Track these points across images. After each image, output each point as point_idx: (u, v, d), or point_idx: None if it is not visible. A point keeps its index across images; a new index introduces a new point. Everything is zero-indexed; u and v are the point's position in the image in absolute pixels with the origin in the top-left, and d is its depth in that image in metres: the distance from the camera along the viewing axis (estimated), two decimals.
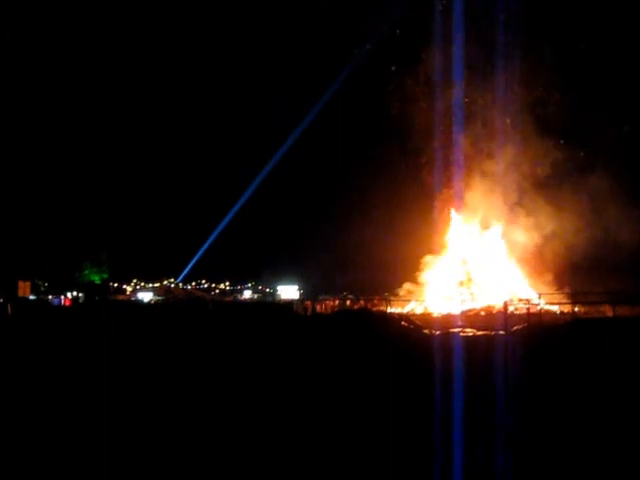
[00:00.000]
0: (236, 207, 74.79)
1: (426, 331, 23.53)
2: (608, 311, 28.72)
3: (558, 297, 37.57)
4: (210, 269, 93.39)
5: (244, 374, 14.40)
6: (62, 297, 69.16)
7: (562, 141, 43.30)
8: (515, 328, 21.98)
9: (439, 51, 43.20)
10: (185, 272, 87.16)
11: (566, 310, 34.45)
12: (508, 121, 44.16)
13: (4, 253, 66.80)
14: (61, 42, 70.41)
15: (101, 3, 75.40)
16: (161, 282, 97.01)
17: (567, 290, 38.83)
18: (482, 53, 43.06)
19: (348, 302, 43.69)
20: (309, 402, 11.84)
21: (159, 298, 75.31)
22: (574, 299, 35.42)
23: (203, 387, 13.31)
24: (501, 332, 21.91)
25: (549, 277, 42.20)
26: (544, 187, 43.50)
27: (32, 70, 70.96)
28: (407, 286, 46.06)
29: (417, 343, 19.92)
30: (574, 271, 40.54)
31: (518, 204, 43.95)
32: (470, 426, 9.80)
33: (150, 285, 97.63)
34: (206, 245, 78.56)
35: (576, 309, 33.91)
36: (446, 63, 43.21)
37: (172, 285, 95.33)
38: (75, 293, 75.35)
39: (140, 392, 12.97)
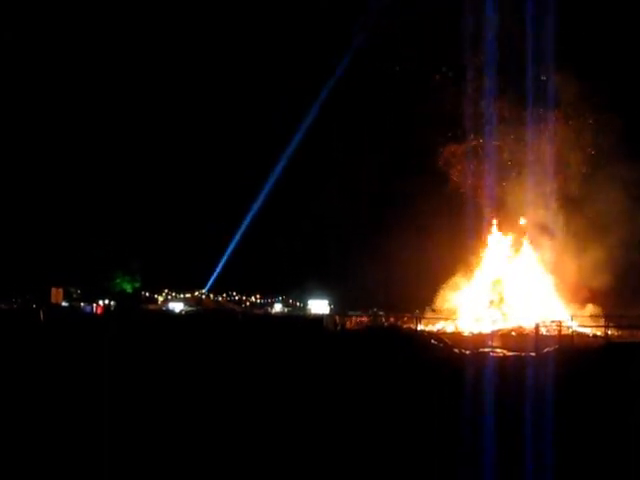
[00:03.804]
0: (261, 217, 74.93)
1: (456, 350, 23.34)
2: None
3: (591, 319, 37.01)
4: (242, 281, 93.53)
5: (269, 386, 14.38)
6: (94, 305, 69.67)
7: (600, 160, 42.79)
8: (546, 350, 21.74)
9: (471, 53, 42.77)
10: (210, 282, 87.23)
11: (599, 333, 33.95)
12: (545, 137, 43.64)
13: (38, 260, 67.67)
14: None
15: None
16: (192, 293, 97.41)
17: (601, 313, 38.22)
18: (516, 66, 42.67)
19: (379, 319, 43.52)
20: (333, 418, 11.77)
21: (190, 309, 75.59)
22: (608, 322, 34.86)
23: (225, 397, 13.30)
24: (532, 354, 21.68)
25: (582, 298, 41.59)
26: (580, 207, 42.94)
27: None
28: (438, 304, 45.72)
29: (447, 362, 19.76)
30: (609, 293, 39.89)
31: (553, 224, 43.42)
32: (500, 447, 9.66)
33: (181, 295, 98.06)
34: (226, 255, 78.66)
35: (609, 332, 33.39)
36: (480, 71, 42.96)
37: (203, 296, 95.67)
38: (107, 301, 75.89)
39: (163, 400, 13.00)
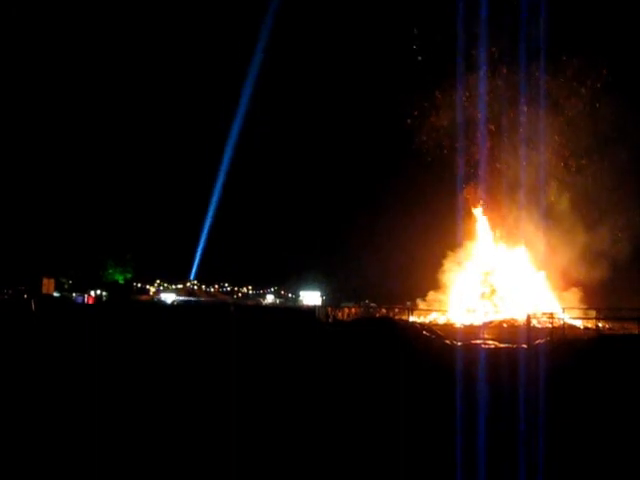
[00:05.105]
0: (253, 208, 75.20)
1: (448, 341, 23.33)
2: (634, 328, 28.27)
3: (582, 312, 37.12)
4: (234, 273, 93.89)
5: (262, 376, 14.36)
6: (85, 295, 69.53)
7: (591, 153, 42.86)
8: (537, 342, 21.75)
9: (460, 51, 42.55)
10: (194, 272, 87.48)
11: (590, 325, 34.06)
12: (536, 129, 43.61)
13: (30, 251, 67.55)
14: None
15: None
16: (184, 284, 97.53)
17: (592, 305, 38.34)
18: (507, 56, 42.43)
19: (371, 310, 43.62)
20: (325, 409, 11.76)
21: (181, 299, 75.68)
22: (599, 315, 34.97)
23: (217, 391, 13.27)
24: (523, 345, 21.70)
25: (574, 291, 41.70)
26: (572, 199, 43.04)
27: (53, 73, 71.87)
28: (430, 296, 45.80)
29: (438, 353, 19.77)
30: (600, 286, 40.03)
31: (545, 216, 43.47)
32: (491, 438, 9.66)
33: (173, 286, 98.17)
34: (202, 243, 78.85)
35: (600, 325, 33.49)
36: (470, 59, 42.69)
37: (195, 287, 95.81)
38: (99, 292, 75.81)
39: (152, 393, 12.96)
